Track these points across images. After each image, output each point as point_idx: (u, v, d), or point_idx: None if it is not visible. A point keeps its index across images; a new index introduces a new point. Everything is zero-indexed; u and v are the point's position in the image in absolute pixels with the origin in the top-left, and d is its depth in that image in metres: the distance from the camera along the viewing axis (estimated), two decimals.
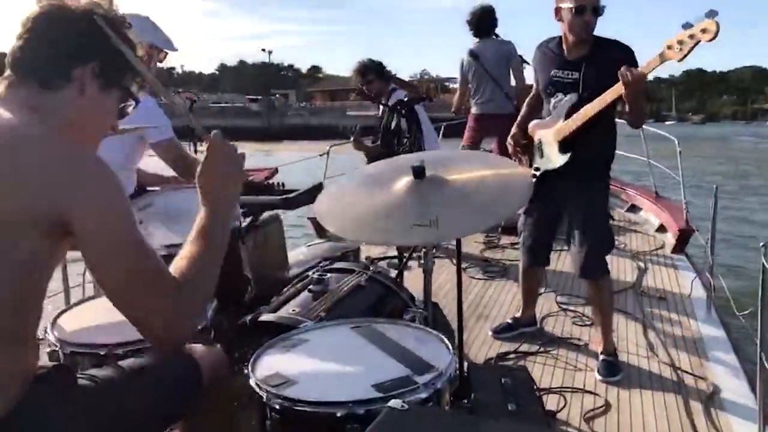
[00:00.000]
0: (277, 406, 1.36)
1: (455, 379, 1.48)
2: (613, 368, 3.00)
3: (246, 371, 1.51)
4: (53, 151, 1.20)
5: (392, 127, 3.07)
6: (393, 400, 1.20)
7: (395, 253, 4.00)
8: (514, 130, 3.31)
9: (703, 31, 2.38)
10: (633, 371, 3.06)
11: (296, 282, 2.38)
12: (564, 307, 3.89)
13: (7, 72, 1.31)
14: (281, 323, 1.87)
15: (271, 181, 3.21)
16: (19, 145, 1.18)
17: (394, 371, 1.45)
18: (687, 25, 2.43)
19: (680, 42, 2.45)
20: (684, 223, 5.03)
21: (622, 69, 2.57)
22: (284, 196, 2.98)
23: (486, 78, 4.89)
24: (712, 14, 2.36)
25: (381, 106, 4.03)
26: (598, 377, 2.98)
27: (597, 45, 2.90)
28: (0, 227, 1.13)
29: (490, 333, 3.51)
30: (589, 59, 2.87)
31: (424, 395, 1.36)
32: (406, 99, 3.14)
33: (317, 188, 3.68)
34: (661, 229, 5.62)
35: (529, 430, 1.47)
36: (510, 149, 3.28)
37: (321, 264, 2.43)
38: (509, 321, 3.55)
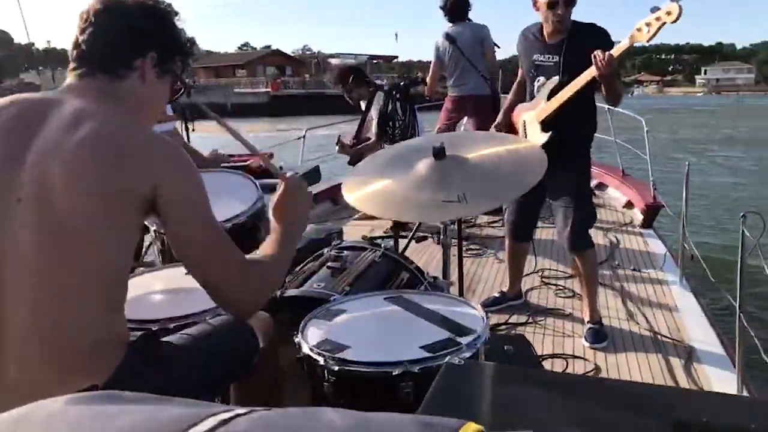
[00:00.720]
0: (336, 368, 1.49)
1: (488, 342, 1.62)
2: (599, 335, 3.20)
3: (296, 340, 1.63)
4: (144, 134, 1.31)
5: (388, 111, 3.18)
6: (454, 356, 1.35)
7: (382, 233, 4.15)
8: (499, 117, 3.46)
9: (668, 13, 2.60)
10: (617, 337, 3.27)
11: (309, 261, 2.49)
12: (546, 280, 4.09)
13: (74, 64, 1.38)
14: (312, 297, 1.98)
15: None
16: (115, 131, 1.27)
17: (436, 335, 1.60)
18: (654, 9, 2.64)
19: (648, 24, 2.66)
20: (651, 198, 5.29)
21: (595, 53, 2.75)
22: None
23: (462, 60, 5.01)
24: None
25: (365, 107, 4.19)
26: (586, 344, 3.18)
27: (574, 29, 3.06)
28: (109, 205, 1.22)
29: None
30: (568, 43, 3.04)
31: (467, 354, 1.51)
32: (402, 84, 3.26)
33: (316, 171, 3.82)
34: (629, 205, 5.89)
35: (582, 379, 1.62)
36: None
37: (334, 243, 2.54)
38: (497, 294, 3.73)
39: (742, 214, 2.46)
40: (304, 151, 6.20)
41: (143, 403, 0.62)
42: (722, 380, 2.76)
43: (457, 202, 1.68)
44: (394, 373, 1.45)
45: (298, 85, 57.69)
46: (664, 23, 2.58)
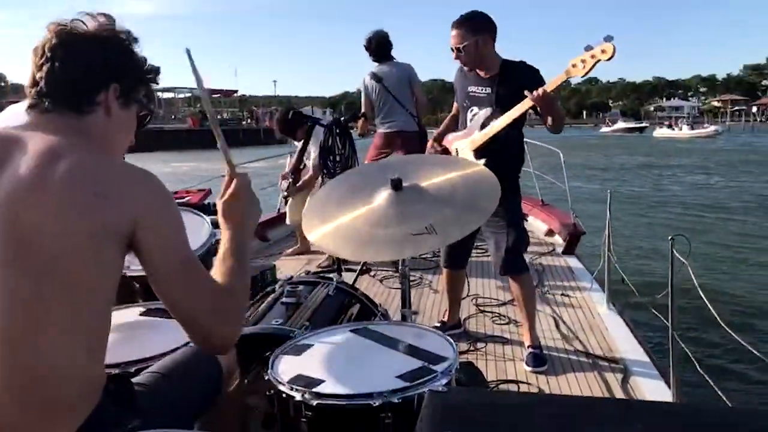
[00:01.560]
0: (314, 403, 1.47)
1: (459, 369, 1.65)
2: (539, 359, 3.29)
3: (267, 377, 1.60)
4: (123, 169, 1.27)
5: (329, 145, 3.22)
6: (431, 384, 1.36)
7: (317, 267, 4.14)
8: (431, 143, 3.57)
9: (603, 51, 2.78)
10: (555, 360, 3.38)
11: (258, 299, 2.45)
12: (482, 308, 4.18)
13: (33, 101, 1.32)
14: (274, 334, 1.95)
15: (206, 202, 3.24)
16: (93, 167, 1.22)
17: (410, 364, 1.61)
18: (588, 48, 2.82)
19: (583, 61, 2.83)
20: (572, 226, 5.54)
21: (534, 92, 2.90)
22: None
23: (390, 98, 5.13)
24: (609, 38, 2.78)
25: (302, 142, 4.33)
26: (527, 368, 3.26)
27: (506, 65, 3.23)
28: (90, 243, 1.17)
29: None
30: (501, 78, 3.20)
31: (444, 381, 1.53)
32: (342, 119, 3.31)
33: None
34: (549, 233, 6.13)
35: (570, 401, 1.67)
36: None
37: (284, 279, 2.51)
38: (437, 324, 3.77)
39: (670, 237, 2.64)
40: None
41: None
42: (658, 394, 2.90)
43: (427, 234, 1.71)
44: (374, 405, 1.45)
45: None
46: (599, 60, 2.76)
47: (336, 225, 1.93)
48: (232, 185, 1.49)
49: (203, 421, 1.66)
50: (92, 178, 1.21)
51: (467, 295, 4.26)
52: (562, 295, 4.45)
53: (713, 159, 34.01)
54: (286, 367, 1.65)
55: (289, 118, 4.51)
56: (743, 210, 15.43)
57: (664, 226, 12.46)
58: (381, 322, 1.98)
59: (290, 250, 5.57)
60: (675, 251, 2.58)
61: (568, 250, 5.51)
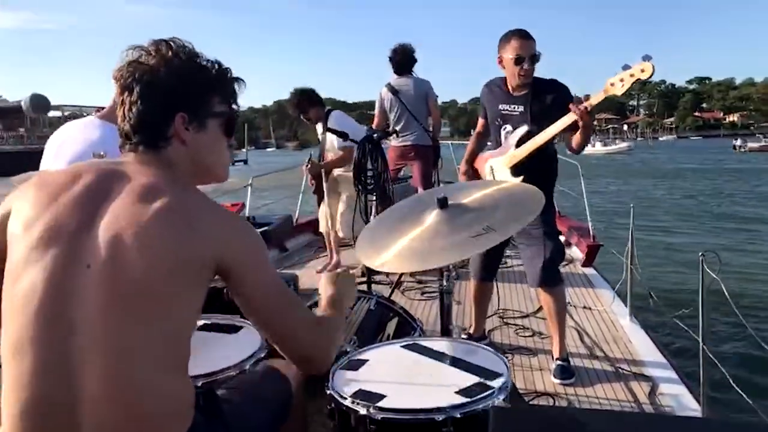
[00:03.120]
0: (379, 417, 1.52)
1: (512, 385, 1.70)
2: (567, 371, 3.34)
3: (329, 392, 1.66)
4: (210, 205, 1.33)
5: (361, 161, 3.29)
6: (495, 399, 1.42)
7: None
8: (464, 167, 3.62)
9: (642, 70, 2.83)
10: (582, 372, 3.42)
11: None
12: (505, 320, 4.23)
13: (121, 140, 1.40)
14: None
15: (240, 214, 3.30)
16: (185, 203, 1.29)
17: (467, 380, 1.66)
18: (626, 67, 2.86)
19: (621, 80, 2.87)
20: (591, 238, 5.59)
21: (580, 105, 2.92)
22: (263, 229, 3.10)
23: (406, 112, 5.21)
24: (647, 58, 2.83)
25: (320, 129, 4.42)
26: (556, 381, 3.31)
27: (537, 83, 3.27)
28: (179, 270, 1.24)
29: None
30: (533, 95, 3.24)
31: (501, 397, 1.58)
32: (374, 135, 3.38)
33: (288, 219, 3.83)
34: (567, 245, 6.18)
35: (618, 416, 1.71)
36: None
37: None
38: (464, 336, 3.81)
39: (701, 253, 2.69)
40: (250, 198, 6.18)
41: None
42: (686, 407, 2.95)
43: (485, 234, 1.76)
44: (437, 419, 1.50)
45: (16, 139, 48.51)
46: (638, 79, 2.81)
47: (396, 249, 1.94)
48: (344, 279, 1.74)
49: None
50: (182, 213, 1.27)
51: (497, 309, 4.31)
52: (584, 307, 4.50)
53: (645, 171, 37.11)
54: (346, 382, 1.70)
55: (303, 98, 4.69)
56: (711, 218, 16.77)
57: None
58: (430, 337, 2.03)
59: (321, 267, 5.54)
60: (707, 267, 2.64)
61: (588, 263, 5.55)
